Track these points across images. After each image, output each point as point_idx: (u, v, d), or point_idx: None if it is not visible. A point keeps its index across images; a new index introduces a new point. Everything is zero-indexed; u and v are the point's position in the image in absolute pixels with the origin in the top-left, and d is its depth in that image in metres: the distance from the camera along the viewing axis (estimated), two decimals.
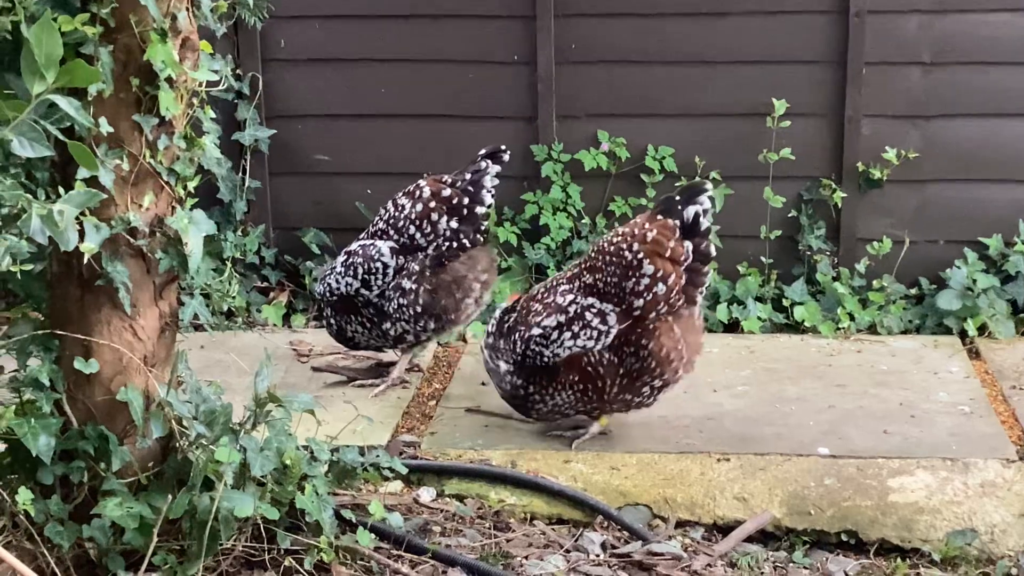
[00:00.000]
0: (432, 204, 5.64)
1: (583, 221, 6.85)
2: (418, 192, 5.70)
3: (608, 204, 6.92)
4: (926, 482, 4.78)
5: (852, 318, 6.56)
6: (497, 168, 5.72)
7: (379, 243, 5.68)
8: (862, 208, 6.83)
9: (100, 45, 3.40)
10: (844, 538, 4.64)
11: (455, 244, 5.65)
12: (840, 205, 6.79)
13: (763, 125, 6.70)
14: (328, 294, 5.72)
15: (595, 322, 4.93)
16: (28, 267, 3.37)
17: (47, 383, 3.67)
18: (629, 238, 4.93)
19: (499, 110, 6.96)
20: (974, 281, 6.51)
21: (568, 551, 4.48)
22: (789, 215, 6.86)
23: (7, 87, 3.19)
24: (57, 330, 3.71)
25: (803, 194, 6.85)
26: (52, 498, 3.74)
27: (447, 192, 5.65)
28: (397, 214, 5.70)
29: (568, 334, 4.95)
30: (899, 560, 4.55)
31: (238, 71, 6.84)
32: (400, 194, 5.78)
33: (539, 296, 5.11)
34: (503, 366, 5.08)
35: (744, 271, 6.83)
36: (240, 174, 6.99)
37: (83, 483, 3.78)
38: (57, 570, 3.69)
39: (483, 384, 5.71)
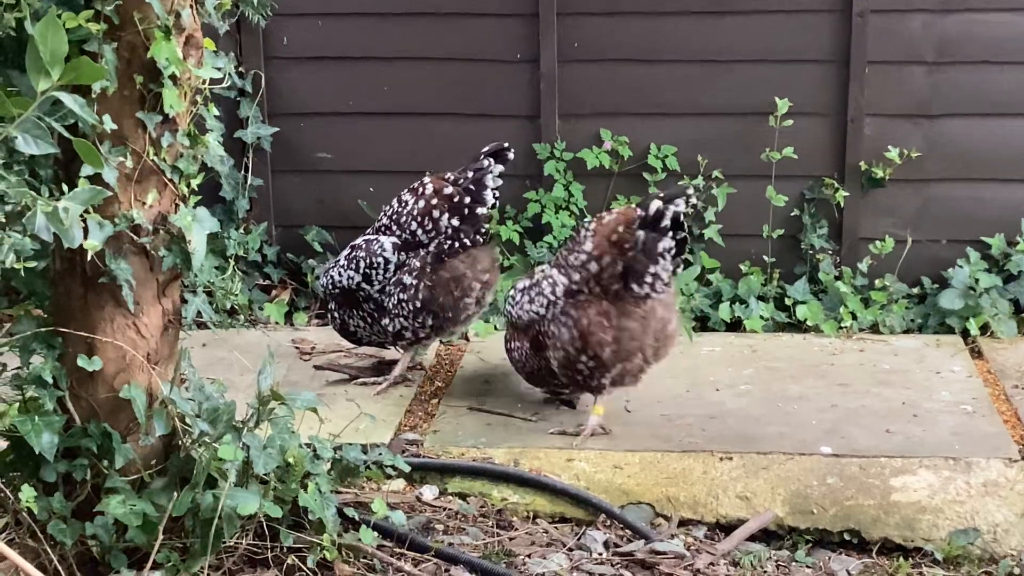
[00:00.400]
0: (434, 201, 5.64)
1: (585, 220, 6.84)
2: (421, 189, 5.71)
3: (611, 203, 6.91)
4: (929, 481, 4.78)
5: (854, 317, 6.56)
6: (500, 168, 5.71)
7: (382, 238, 5.70)
8: (864, 207, 6.83)
9: (104, 42, 3.40)
10: (847, 537, 4.64)
11: (456, 243, 5.64)
12: (842, 204, 6.79)
13: (766, 124, 6.70)
14: (331, 287, 5.75)
15: (547, 291, 5.20)
16: (31, 264, 3.37)
17: (50, 380, 3.67)
18: (598, 219, 5.19)
19: (502, 108, 6.96)
20: (976, 280, 6.51)
21: (571, 549, 4.48)
22: (791, 214, 6.86)
23: (10, 84, 3.19)
24: (60, 327, 3.71)
25: (805, 193, 6.85)
26: (55, 496, 3.74)
27: (449, 190, 5.64)
28: (400, 210, 5.71)
29: (526, 298, 5.28)
30: (902, 559, 4.55)
31: (241, 69, 6.84)
32: (405, 190, 5.79)
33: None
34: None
35: (746, 270, 6.83)
36: (242, 172, 6.99)
37: (86, 481, 3.78)
38: (60, 568, 3.69)
39: (486, 383, 5.71)
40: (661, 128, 6.89)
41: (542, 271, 5.34)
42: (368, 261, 5.65)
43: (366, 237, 5.78)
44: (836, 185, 6.77)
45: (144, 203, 3.67)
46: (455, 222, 5.63)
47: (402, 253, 5.65)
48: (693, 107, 6.85)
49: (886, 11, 6.62)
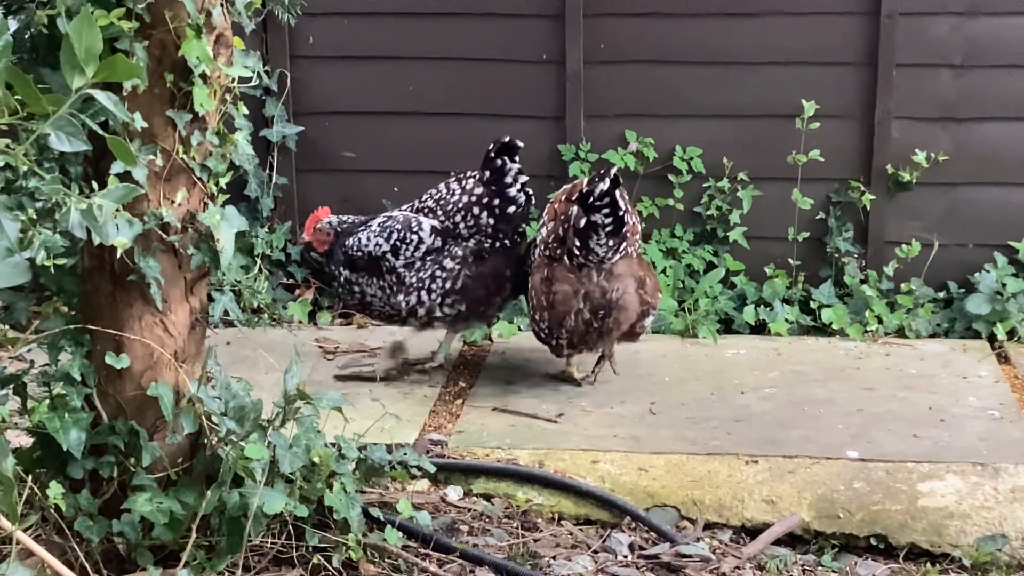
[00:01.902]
0: (474, 198, 5.75)
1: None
2: (465, 183, 5.83)
3: (635, 204, 6.90)
4: (956, 487, 4.75)
5: (880, 321, 6.53)
6: (516, 166, 5.77)
7: (421, 218, 5.78)
8: (891, 211, 6.80)
9: (135, 40, 3.40)
10: (873, 542, 4.61)
11: (496, 241, 5.79)
12: (869, 207, 6.76)
13: (792, 126, 6.68)
14: (355, 250, 5.78)
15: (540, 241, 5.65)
16: (61, 262, 3.37)
17: (78, 378, 3.67)
18: (562, 189, 5.77)
19: (527, 109, 6.95)
20: (1003, 285, 6.48)
21: (596, 552, 4.47)
22: (817, 217, 6.83)
23: (42, 81, 3.19)
24: (88, 325, 3.71)
25: (831, 196, 6.83)
26: (82, 492, 3.74)
27: (480, 189, 5.74)
28: (449, 197, 5.81)
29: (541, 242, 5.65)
30: (929, 565, 4.52)
31: (267, 68, 6.84)
32: (452, 179, 5.89)
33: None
34: None
35: (771, 273, 6.81)
36: (267, 171, 7.00)
37: (113, 478, 3.78)
38: (86, 564, 3.69)
39: (510, 383, 5.71)
40: (687, 130, 6.87)
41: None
42: (401, 235, 5.72)
43: (404, 212, 5.85)
44: (862, 188, 6.74)
45: (173, 201, 3.67)
46: (491, 220, 5.75)
47: (438, 238, 5.73)
48: (719, 109, 6.83)
49: (914, 13, 6.59)
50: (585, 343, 5.62)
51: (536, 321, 5.61)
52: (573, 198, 5.47)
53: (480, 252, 5.76)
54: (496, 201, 5.72)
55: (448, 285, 5.73)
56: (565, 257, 5.49)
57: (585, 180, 5.54)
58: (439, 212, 5.80)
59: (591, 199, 5.33)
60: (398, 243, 5.72)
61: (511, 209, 5.74)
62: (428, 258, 5.73)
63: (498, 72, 6.94)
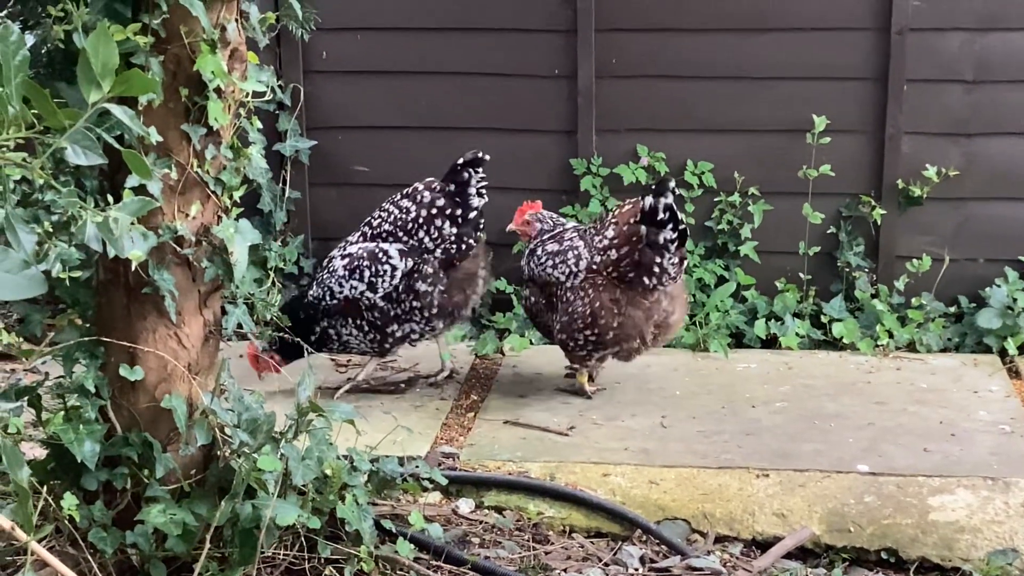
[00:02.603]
0: (434, 210, 5.74)
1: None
2: (419, 196, 5.79)
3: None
4: (967, 501, 4.75)
5: (891, 335, 6.54)
6: (480, 175, 5.81)
7: (384, 246, 5.74)
8: (901, 225, 6.81)
9: (151, 55, 3.43)
10: (884, 556, 4.62)
11: (463, 246, 5.79)
12: (879, 222, 6.77)
13: (803, 141, 6.69)
14: (326, 298, 5.74)
15: (571, 261, 5.63)
16: (76, 274, 3.40)
17: (92, 390, 3.70)
18: (620, 206, 5.69)
19: (539, 123, 6.97)
20: (1014, 300, 6.48)
21: (607, 564, 4.48)
22: (828, 231, 6.84)
23: (58, 95, 3.22)
24: (103, 337, 3.74)
25: (842, 211, 6.84)
26: (96, 504, 3.76)
27: (441, 201, 5.75)
28: (406, 216, 5.76)
29: (551, 262, 5.67)
30: None
31: (280, 82, 6.88)
32: (399, 197, 5.86)
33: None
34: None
35: (782, 287, 6.82)
36: (280, 184, 7.03)
37: (126, 489, 3.80)
38: (100, 575, 3.71)
39: (521, 396, 5.72)
40: (698, 144, 6.89)
41: (570, 240, 5.70)
42: (373, 269, 5.69)
43: (360, 245, 5.78)
44: (873, 203, 6.75)
45: (187, 214, 3.69)
46: (455, 229, 5.76)
47: (408, 259, 5.72)
48: (730, 124, 6.85)
49: (925, 29, 6.60)
50: (618, 358, 5.74)
51: (586, 338, 5.57)
52: (636, 219, 5.45)
53: (449, 260, 5.77)
54: (458, 211, 5.75)
55: (428, 313, 5.76)
56: (639, 279, 5.48)
57: (646, 201, 5.44)
58: (400, 233, 5.76)
59: (658, 216, 5.39)
60: (373, 279, 5.70)
61: (472, 215, 5.80)
62: (402, 284, 5.71)
63: (510, 86, 6.97)
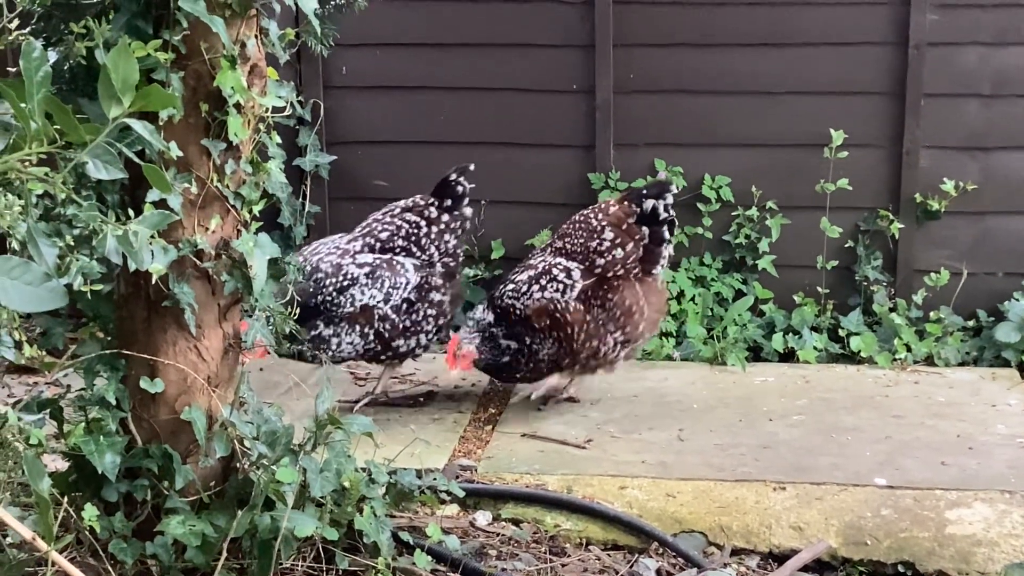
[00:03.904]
0: (442, 225, 5.85)
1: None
2: (427, 212, 5.87)
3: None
4: (984, 514, 4.75)
5: (909, 349, 6.54)
6: (470, 186, 5.92)
7: (402, 259, 5.80)
8: (919, 239, 6.82)
9: (171, 71, 3.47)
10: (901, 569, 4.61)
11: (460, 259, 5.96)
12: (897, 236, 6.79)
13: (820, 155, 6.71)
14: (349, 305, 5.67)
15: (562, 276, 5.67)
16: (98, 287, 3.43)
17: (113, 402, 3.72)
18: (596, 212, 5.81)
19: (557, 138, 7.01)
20: None
21: None
22: (846, 245, 6.86)
23: (80, 111, 3.26)
24: (124, 350, 3.77)
25: (860, 225, 6.85)
26: (116, 515, 3.78)
27: (446, 217, 5.86)
28: (419, 232, 5.84)
29: (537, 287, 5.67)
30: None
31: (300, 98, 6.92)
32: (406, 213, 5.90)
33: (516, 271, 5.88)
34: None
35: (800, 301, 6.83)
36: (300, 199, 7.07)
37: (146, 501, 3.83)
38: None
39: (539, 409, 5.75)
40: (715, 159, 6.92)
41: (542, 261, 5.78)
42: (393, 281, 5.71)
43: (379, 257, 5.77)
44: (891, 217, 6.77)
45: (207, 228, 3.73)
46: (455, 241, 5.90)
47: (419, 274, 5.78)
48: (748, 138, 6.88)
49: (942, 44, 6.63)
50: (632, 355, 5.98)
51: (633, 329, 5.74)
52: (633, 220, 5.71)
53: (451, 272, 5.90)
54: (457, 224, 5.88)
55: (443, 320, 5.86)
56: (648, 271, 5.76)
57: (626, 200, 5.79)
58: (414, 249, 5.83)
59: (659, 216, 5.71)
60: (391, 290, 5.71)
61: (467, 225, 5.97)
62: (412, 295, 5.75)
63: (529, 101, 7.01)
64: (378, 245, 5.83)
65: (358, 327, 5.70)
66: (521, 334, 5.67)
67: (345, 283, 5.71)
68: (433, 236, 5.83)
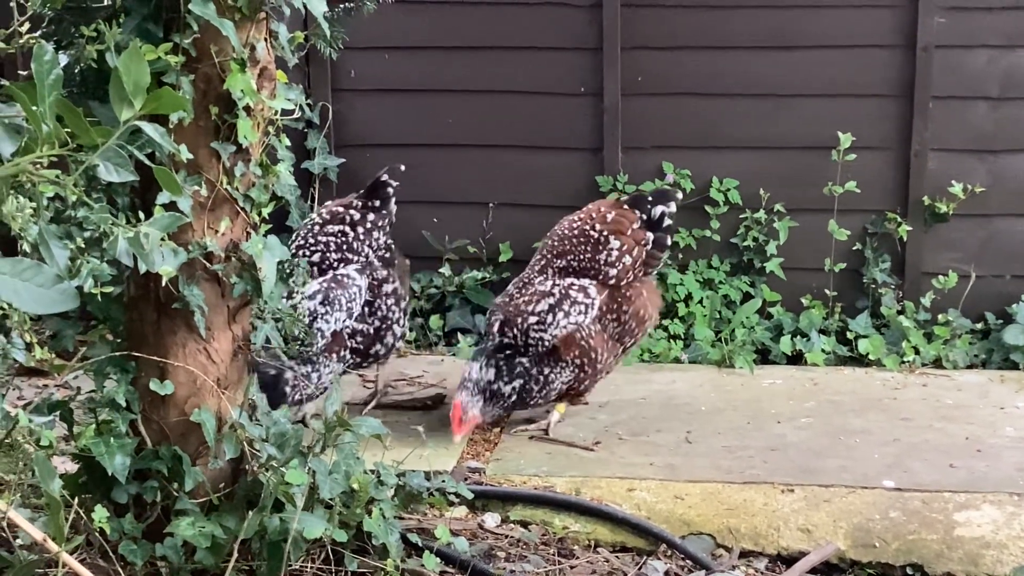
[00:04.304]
0: (368, 225, 5.78)
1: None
2: (349, 216, 5.77)
3: (672, 235, 6.94)
4: (993, 517, 4.75)
5: (917, 352, 6.54)
6: (396, 184, 5.93)
7: (346, 269, 5.67)
8: (927, 242, 6.82)
9: (181, 74, 3.48)
10: (909, 571, 4.61)
11: (392, 246, 5.92)
12: (905, 239, 6.79)
13: (828, 158, 6.71)
14: (321, 339, 5.44)
15: (581, 298, 5.54)
16: (108, 290, 3.44)
17: (123, 404, 3.73)
18: (589, 220, 5.69)
19: (565, 141, 7.02)
20: None
21: None
22: (854, 248, 6.86)
23: (91, 114, 3.28)
24: (133, 352, 3.78)
25: (868, 227, 6.85)
26: (126, 516, 3.80)
27: (372, 216, 5.80)
28: (350, 239, 5.74)
29: (561, 314, 5.48)
30: None
31: (309, 100, 6.93)
32: (327, 225, 5.76)
33: (515, 296, 5.61)
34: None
35: (808, 303, 6.83)
36: (308, 202, 7.08)
37: (156, 502, 3.84)
38: None
39: (547, 411, 5.75)
40: (723, 161, 6.92)
41: (554, 285, 5.56)
42: (348, 295, 5.56)
43: (323, 280, 5.56)
44: (899, 219, 6.77)
45: (217, 231, 3.74)
46: (386, 239, 5.86)
47: (363, 276, 5.72)
48: (756, 141, 6.88)
49: (950, 46, 6.63)
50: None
51: (641, 335, 5.77)
52: (636, 226, 5.67)
53: (389, 261, 5.84)
54: (384, 220, 5.84)
55: (403, 304, 5.81)
56: (647, 273, 5.76)
57: (627, 205, 5.77)
58: (349, 255, 5.70)
59: (663, 223, 5.74)
60: (350, 304, 5.55)
61: (393, 220, 5.92)
62: (367, 298, 5.66)
63: (536, 104, 7.01)
64: (314, 269, 5.63)
65: (334, 355, 5.54)
66: (533, 366, 5.45)
67: (307, 321, 5.36)
68: (362, 237, 5.75)
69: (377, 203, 5.85)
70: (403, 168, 5.99)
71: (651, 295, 5.78)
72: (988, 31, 6.62)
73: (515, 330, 5.46)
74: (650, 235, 5.69)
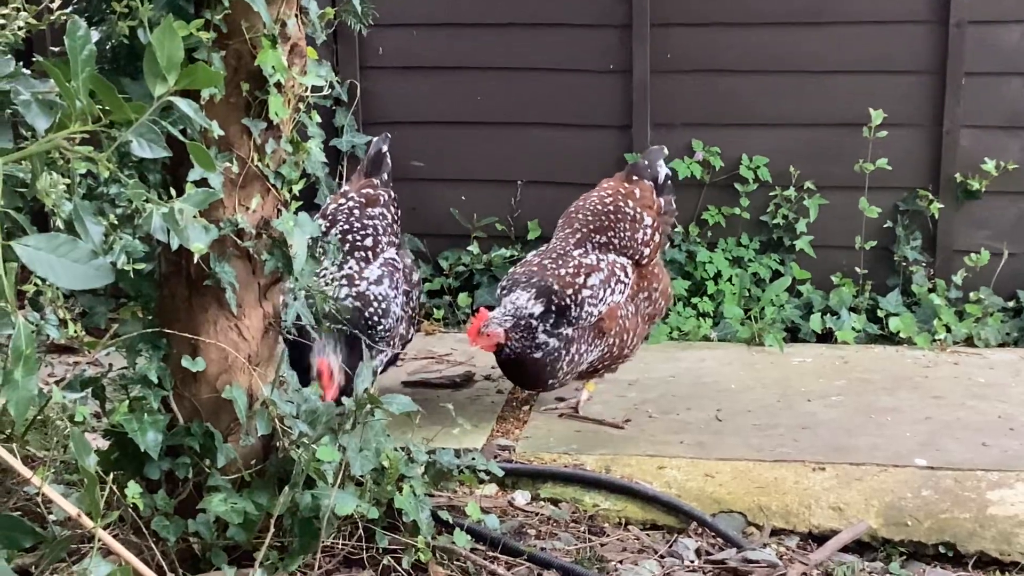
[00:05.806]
0: (394, 205, 5.66)
1: (676, 229, 6.85)
2: (378, 196, 5.62)
3: (701, 213, 6.93)
4: None
5: (948, 330, 6.50)
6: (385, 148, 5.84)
7: (392, 251, 5.52)
8: (959, 219, 6.77)
9: (212, 50, 3.47)
10: (941, 550, 4.59)
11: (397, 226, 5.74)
12: (937, 216, 6.74)
13: (859, 135, 6.67)
14: (396, 318, 5.34)
15: (622, 275, 5.49)
16: (140, 267, 3.44)
17: (155, 380, 3.74)
18: (620, 197, 5.61)
19: (594, 118, 6.99)
20: None
21: (662, 556, 4.48)
22: (884, 226, 6.82)
23: (122, 90, 3.27)
24: (165, 329, 3.78)
25: (899, 205, 6.81)
26: (159, 493, 3.80)
27: (384, 192, 5.66)
28: (387, 221, 5.58)
29: (608, 290, 5.40)
30: (998, 573, 4.50)
31: (337, 78, 6.91)
32: (360, 208, 5.56)
33: (551, 266, 5.41)
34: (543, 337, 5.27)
35: (838, 281, 6.80)
36: (337, 180, 7.08)
37: (188, 479, 3.84)
38: (163, 563, 3.76)
39: (576, 390, 5.74)
40: (753, 139, 6.89)
41: (601, 259, 5.44)
42: (400, 278, 5.42)
43: (388, 256, 5.46)
44: (931, 197, 6.72)
45: (248, 208, 3.73)
46: (400, 212, 5.71)
47: (404, 257, 5.64)
48: (785, 118, 6.84)
49: (983, 22, 6.57)
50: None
51: (665, 310, 5.78)
52: (653, 193, 5.66)
53: (400, 244, 5.66)
54: (394, 195, 5.72)
55: (418, 291, 5.62)
56: (660, 251, 5.72)
57: (631, 174, 5.73)
58: (394, 238, 5.56)
59: (667, 183, 5.74)
60: (405, 286, 5.44)
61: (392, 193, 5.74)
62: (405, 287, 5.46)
63: (565, 82, 6.99)
64: (370, 255, 5.41)
65: (398, 338, 5.39)
66: (575, 339, 5.30)
67: (384, 306, 5.25)
68: (397, 218, 5.65)
69: (385, 177, 5.74)
70: (388, 136, 5.92)
71: (665, 272, 5.79)
72: (1022, 6, 6.55)
73: (565, 300, 5.26)
74: (661, 201, 5.68)
